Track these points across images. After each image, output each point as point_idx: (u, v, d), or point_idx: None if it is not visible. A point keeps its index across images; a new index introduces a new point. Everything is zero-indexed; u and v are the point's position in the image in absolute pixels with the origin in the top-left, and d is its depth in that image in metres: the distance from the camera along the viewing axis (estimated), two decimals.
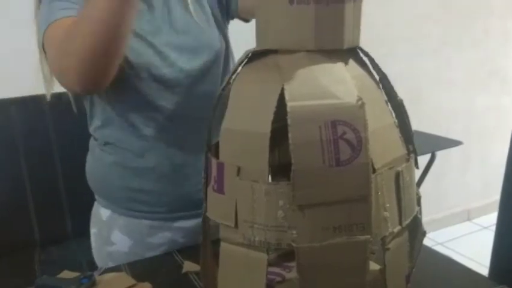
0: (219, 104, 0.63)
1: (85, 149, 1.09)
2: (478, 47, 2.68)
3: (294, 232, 0.52)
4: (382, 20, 2.33)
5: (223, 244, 0.58)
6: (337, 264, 0.54)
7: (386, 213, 0.55)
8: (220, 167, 0.57)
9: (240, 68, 0.61)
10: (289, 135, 0.51)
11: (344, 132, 0.51)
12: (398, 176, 0.57)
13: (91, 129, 1.01)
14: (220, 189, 0.57)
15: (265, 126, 0.53)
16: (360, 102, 0.52)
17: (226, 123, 0.58)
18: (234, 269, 0.58)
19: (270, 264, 0.57)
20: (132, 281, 0.80)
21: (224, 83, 0.62)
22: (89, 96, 0.97)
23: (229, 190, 0.56)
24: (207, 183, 0.62)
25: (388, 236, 0.56)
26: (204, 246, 0.68)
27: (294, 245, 0.53)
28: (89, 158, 1.05)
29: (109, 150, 0.97)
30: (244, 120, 0.56)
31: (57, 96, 1.71)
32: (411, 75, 2.47)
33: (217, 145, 0.61)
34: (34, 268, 1.55)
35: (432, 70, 2.56)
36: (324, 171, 0.51)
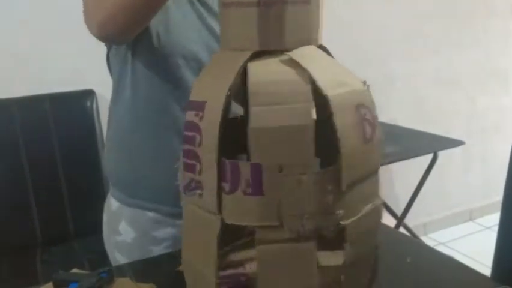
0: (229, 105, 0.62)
1: (86, 149, 1.09)
2: (479, 46, 2.68)
3: (341, 211, 0.56)
4: (382, 20, 2.33)
5: (262, 247, 0.57)
6: (370, 229, 0.62)
7: None
8: (257, 168, 0.55)
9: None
10: (335, 121, 0.54)
11: (365, 114, 0.58)
12: None
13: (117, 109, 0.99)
14: (257, 191, 0.55)
15: (306, 118, 0.54)
16: (366, 86, 0.60)
17: (256, 123, 0.55)
18: (280, 266, 0.58)
19: (224, 268, 0.58)
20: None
21: (230, 82, 0.59)
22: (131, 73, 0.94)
23: (269, 189, 0.55)
24: (221, 191, 0.58)
25: None
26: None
27: (342, 223, 0.57)
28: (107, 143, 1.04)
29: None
30: (280, 115, 0.55)
31: (58, 96, 1.72)
32: (411, 75, 2.47)
33: (230, 148, 0.59)
34: (36, 268, 1.55)
35: (432, 70, 2.56)
36: (360, 150, 0.57)
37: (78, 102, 1.75)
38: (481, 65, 2.71)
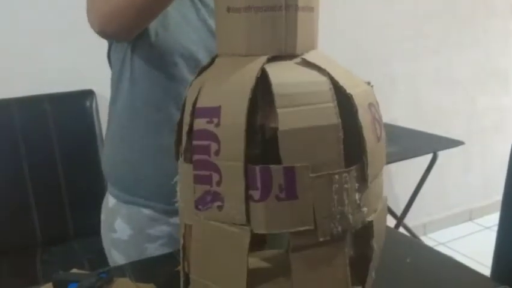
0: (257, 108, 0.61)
1: (85, 149, 1.09)
2: (479, 46, 2.68)
3: (366, 209, 0.57)
4: (382, 20, 2.33)
5: (296, 255, 0.56)
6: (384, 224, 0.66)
7: None
8: (290, 171, 0.53)
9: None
10: (359, 118, 0.55)
11: (374, 112, 0.59)
12: None
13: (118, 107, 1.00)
14: (291, 195, 0.54)
15: (333, 117, 0.55)
16: (371, 86, 0.61)
17: (285, 125, 0.53)
18: (315, 272, 0.57)
19: None
20: None
21: (252, 84, 0.56)
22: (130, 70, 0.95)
23: (303, 192, 0.54)
24: (248, 199, 0.55)
25: None
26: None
27: (368, 219, 0.58)
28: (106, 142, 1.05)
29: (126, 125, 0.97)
30: (307, 117, 0.54)
31: (58, 96, 1.72)
32: (411, 75, 2.47)
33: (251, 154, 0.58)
34: (36, 268, 1.55)
35: (432, 70, 2.56)
36: (375, 147, 0.58)
37: (77, 102, 1.75)
38: (481, 65, 2.71)
